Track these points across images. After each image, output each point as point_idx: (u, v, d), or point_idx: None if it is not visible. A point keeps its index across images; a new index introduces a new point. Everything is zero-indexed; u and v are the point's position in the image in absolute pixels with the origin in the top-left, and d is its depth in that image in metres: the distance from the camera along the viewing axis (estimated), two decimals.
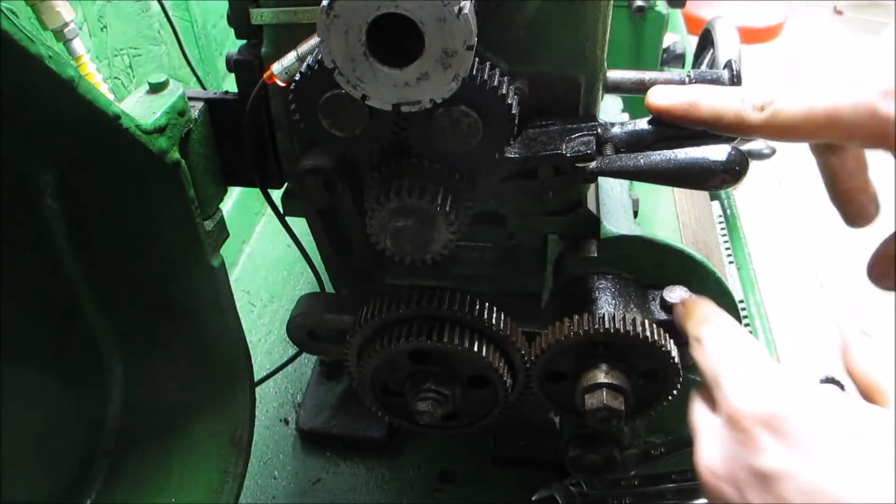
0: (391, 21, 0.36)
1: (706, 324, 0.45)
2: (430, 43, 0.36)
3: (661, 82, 0.57)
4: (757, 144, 1.18)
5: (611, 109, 0.74)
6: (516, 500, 0.75)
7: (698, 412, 0.42)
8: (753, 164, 0.45)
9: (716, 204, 1.09)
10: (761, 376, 0.38)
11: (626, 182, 0.65)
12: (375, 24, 0.37)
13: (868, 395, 0.38)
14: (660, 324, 0.54)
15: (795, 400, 0.35)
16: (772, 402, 0.36)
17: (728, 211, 1.12)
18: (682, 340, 0.56)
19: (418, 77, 0.38)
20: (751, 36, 2.70)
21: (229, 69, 0.50)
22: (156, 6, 0.98)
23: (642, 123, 0.48)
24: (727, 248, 1.02)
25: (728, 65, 0.58)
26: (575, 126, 0.48)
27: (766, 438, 0.35)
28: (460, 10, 0.35)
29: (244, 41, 0.50)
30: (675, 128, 0.46)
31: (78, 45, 0.75)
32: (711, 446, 0.39)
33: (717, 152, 0.43)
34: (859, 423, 0.34)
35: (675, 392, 0.56)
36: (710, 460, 0.38)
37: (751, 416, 0.36)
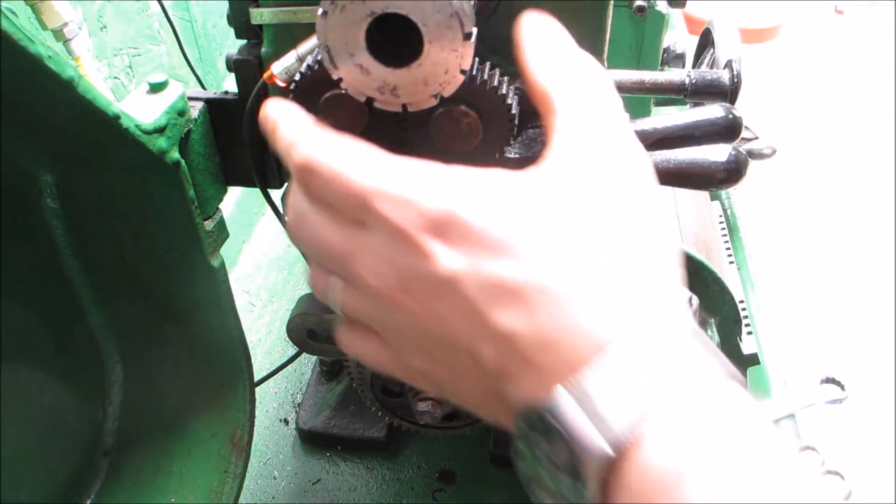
0: (391, 21, 0.36)
1: (312, 137, 0.36)
2: (429, 52, 0.36)
3: (662, 82, 0.57)
4: (757, 144, 1.18)
5: None
6: (516, 500, 0.75)
7: (340, 233, 0.36)
8: (753, 164, 0.45)
9: (716, 204, 1.09)
10: (418, 187, 0.33)
11: None
12: (375, 24, 0.37)
13: (539, 103, 0.36)
14: None
15: (459, 200, 0.32)
16: (437, 210, 0.32)
17: (728, 211, 1.12)
18: None
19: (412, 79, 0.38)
20: (751, 36, 2.70)
21: (229, 69, 0.50)
22: (156, 6, 0.98)
23: (642, 123, 0.48)
24: (727, 248, 1.02)
25: (728, 65, 0.58)
26: None
27: (437, 246, 0.32)
28: (469, 33, 0.35)
29: (244, 41, 0.50)
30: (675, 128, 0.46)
31: (77, 44, 0.75)
32: (375, 263, 0.34)
33: (717, 152, 0.43)
34: (525, 202, 0.32)
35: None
36: (378, 279, 0.34)
37: (415, 227, 0.32)
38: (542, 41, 0.37)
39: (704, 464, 0.27)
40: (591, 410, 0.29)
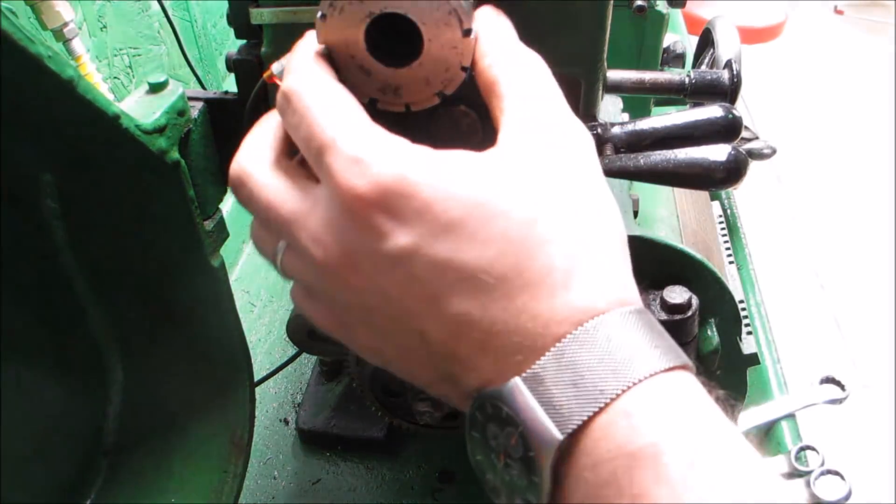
0: (390, 21, 0.36)
1: (308, 69, 0.36)
2: (429, 51, 0.36)
3: (662, 82, 0.57)
4: (757, 144, 1.18)
5: (611, 109, 0.74)
6: None
7: (288, 194, 0.35)
8: (753, 164, 0.45)
9: (716, 204, 1.09)
10: (374, 151, 0.32)
11: (625, 182, 0.65)
12: (374, 25, 0.37)
13: (485, 91, 0.36)
14: (660, 324, 0.54)
15: (413, 173, 0.31)
16: (388, 180, 0.31)
17: (728, 211, 1.12)
18: (685, 340, 0.56)
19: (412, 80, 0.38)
20: (751, 36, 2.70)
21: (229, 69, 0.50)
22: (156, 6, 0.98)
23: (642, 123, 0.48)
24: (727, 248, 1.02)
25: (728, 65, 0.58)
26: None
27: (386, 222, 0.31)
28: (468, 30, 0.35)
29: (244, 41, 0.50)
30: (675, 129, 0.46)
31: (78, 44, 0.76)
32: (321, 232, 0.33)
33: (717, 152, 0.43)
34: (481, 182, 0.32)
35: None
36: (323, 249, 0.33)
37: (364, 198, 0.31)
38: (488, 35, 0.37)
39: (656, 451, 0.27)
40: (543, 398, 0.29)
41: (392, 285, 0.32)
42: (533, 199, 0.32)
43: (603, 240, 0.33)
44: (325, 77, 0.35)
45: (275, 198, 0.35)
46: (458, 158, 0.33)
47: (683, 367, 0.30)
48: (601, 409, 0.28)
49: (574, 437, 0.28)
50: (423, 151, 0.33)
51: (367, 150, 0.32)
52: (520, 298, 0.30)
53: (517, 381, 0.29)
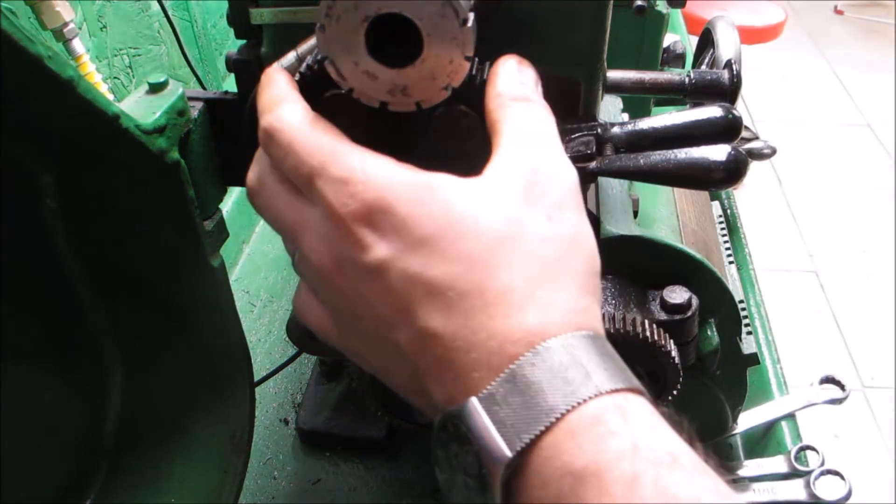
0: (388, 23, 0.36)
1: (282, 106, 0.38)
2: (429, 46, 0.36)
3: (662, 82, 0.57)
4: (757, 144, 1.18)
5: (611, 109, 0.74)
6: None
7: (291, 206, 0.38)
8: (753, 164, 0.45)
9: (716, 204, 1.09)
10: (359, 172, 0.35)
11: (625, 182, 0.65)
12: (373, 28, 0.37)
13: (490, 130, 0.39)
14: (660, 324, 0.54)
15: (394, 192, 0.34)
16: (372, 198, 0.34)
17: (728, 211, 1.12)
18: (685, 340, 0.56)
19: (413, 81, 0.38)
20: (751, 36, 2.70)
21: (229, 69, 0.50)
22: (156, 6, 0.98)
23: (642, 123, 0.48)
24: (727, 248, 1.02)
25: (728, 65, 0.58)
26: (575, 126, 0.48)
27: (368, 235, 0.33)
28: (465, 19, 0.35)
29: (244, 41, 0.50)
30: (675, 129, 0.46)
31: (78, 44, 0.76)
32: (317, 242, 0.36)
33: (717, 152, 0.43)
34: (458, 204, 0.34)
35: (674, 392, 0.56)
36: (319, 258, 0.36)
37: (350, 214, 0.34)
38: (504, 79, 0.40)
39: (598, 469, 0.28)
40: (496, 417, 0.30)
41: (372, 293, 0.34)
42: (502, 224, 0.34)
43: (568, 268, 0.34)
44: (296, 109, 0.38)
45: (282, 210, 0.38)
46: (438, 180, 0.35)
47: (631, 391, 0.31)
48: (548, 429, 0.29)
49: (524, 456, 0.29)
50: (405, 172, 0.35)
51: (351, 172, 0.35)
52: (479, 317, 0.32)
53: (473, 401, 0.30)
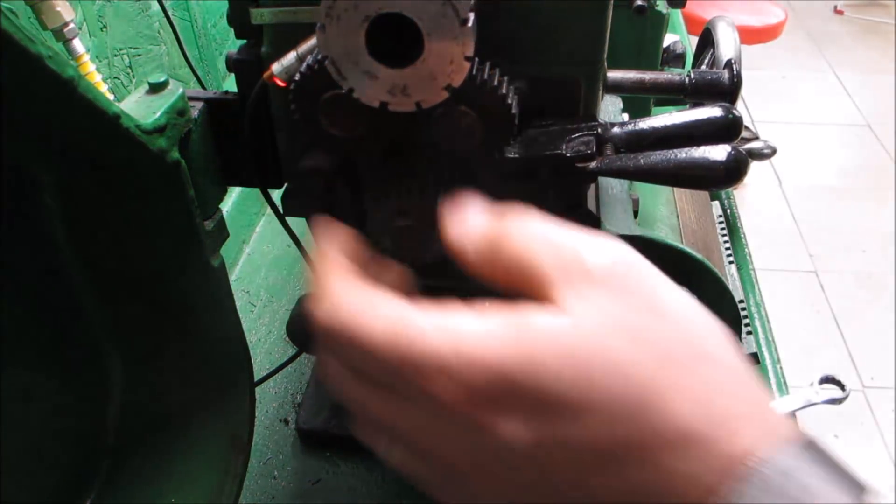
0: (388, 23, 0.36)
1: (336, 306, 0.32)
2: (430, 46, 0.36)
3: (662, 82, 0.57)
4: (757, 144, 1.18)
5: (611, 109, 0.74)
6: None
7: (382, 408, 0.32)
8: (753, 164, 0.45)
9: (716, 204, 1.09)
10: (457, 355, 0.29)
11: (625, 182, 0.65)
12: (373, 29, 0.37)
13: (522, 285, 0.32)
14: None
15: (505, 364, 0.29)
16: (481, 380, 0.29)
17: (728, 211, 1.12)
18: None
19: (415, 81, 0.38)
20: (751, 36, 2.70)
21: (229, 69, 0.50)
22: (156, 6, 0.98)
23: (642, 123, 0.48)
24: (727, 248, 1.02)
25: (728, 65, 0.58)
26: (575, 126, 0.48)
27: (497, 420, 0.29)
28: (465, 19, 0.35)
29: (244, 41, 0.50)
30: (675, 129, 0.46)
31: (78, 44, 0.75)
32: (425, 434, 0.31)
33: (717, 152, 0.43)
34: (578, 358, 0.29)
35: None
36: (439, 450, 0.31)
37: (465, 400, 0.29)
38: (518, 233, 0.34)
39: None
40: None
41: (526, 480, 0.30)
42: (628, 345, 0.29)
43: (716, 360, 0.30)
44: (350, 286, 0.32)
45: (364, 395, 0.34)
46: (542, 336, 0.29)
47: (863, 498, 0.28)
48: None
49: None
50: (500, 334, 0.29)
51: (446, 360, 0.29)
52: (668, 466, 0.28)
53: None
